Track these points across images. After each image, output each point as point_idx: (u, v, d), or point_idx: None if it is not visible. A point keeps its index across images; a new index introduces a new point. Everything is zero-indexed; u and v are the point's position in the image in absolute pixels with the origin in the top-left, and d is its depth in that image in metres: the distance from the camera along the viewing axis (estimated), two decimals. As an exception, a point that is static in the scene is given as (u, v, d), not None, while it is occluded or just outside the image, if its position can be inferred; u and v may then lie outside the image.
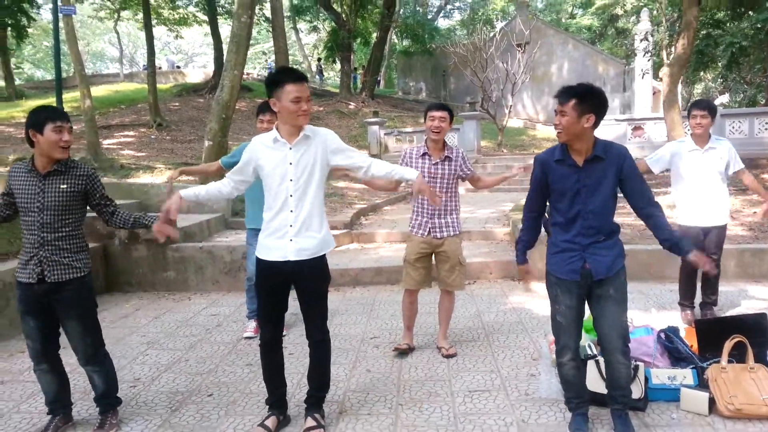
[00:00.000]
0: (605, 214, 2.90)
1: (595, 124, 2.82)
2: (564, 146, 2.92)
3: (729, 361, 3.35)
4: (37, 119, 3.04)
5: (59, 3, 11.90)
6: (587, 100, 2.79)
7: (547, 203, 3.12)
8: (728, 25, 15.37)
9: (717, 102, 27.27)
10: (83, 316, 3.16)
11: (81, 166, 3.20)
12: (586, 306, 3.04)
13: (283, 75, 2.99)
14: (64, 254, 3.10)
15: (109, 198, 3.30)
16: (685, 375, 3.41)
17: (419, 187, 3.19)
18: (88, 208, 3.26)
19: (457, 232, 4.25)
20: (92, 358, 3.22)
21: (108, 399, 3.32)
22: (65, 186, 3.09)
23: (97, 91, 23.60)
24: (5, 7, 22.61)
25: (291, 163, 3.01)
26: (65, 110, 3.53)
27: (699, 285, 4.97)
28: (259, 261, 3.13)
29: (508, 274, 6.59)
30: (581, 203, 2.89)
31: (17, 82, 31.75)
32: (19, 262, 3.14)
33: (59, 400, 3.28)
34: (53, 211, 3.07)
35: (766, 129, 14.04)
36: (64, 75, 17.06)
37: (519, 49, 21.29)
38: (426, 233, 4.20)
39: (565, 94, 2.83)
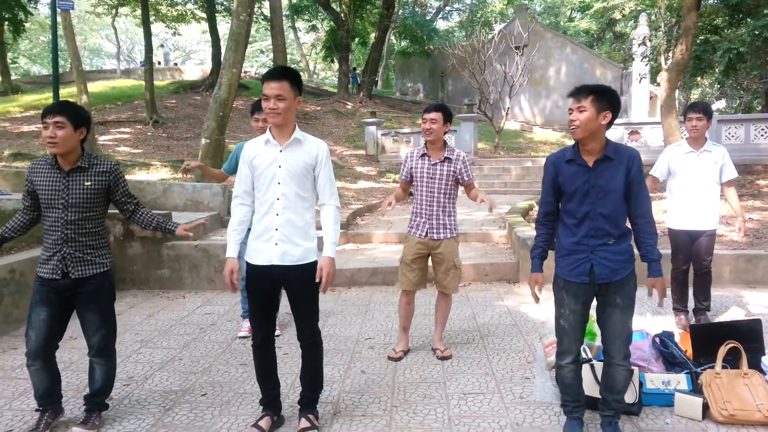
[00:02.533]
0: (615, 216, 2.89)
1: (610, 123, 2.83)
2: (575, 147, 2.93)
3: (723, 367, 3.35)
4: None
5: (57, -2, 11.85)
6: (605, 97, 2.80)
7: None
8: (726, 31, 15.44)
9: (713, 108, 27.34)
10: (102, 309, 3.20)
11: (104, 162, 3.20)
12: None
13: (265, 73, 3.01)
14: (88, 250, 3.13)
15: (131, 195, 3.31)
16: (680, 380, 3.42)
17: (322, 269, 3.04)
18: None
19: (454, 234, 4.25)
20: (102, 350, 3.24)
21: (98, 399, 3.29)
22: (89, 183, 3.10)
23: (94, 87, 23.53)
24: (3, 2, 22.52)
25: (280, 166, 3.00)
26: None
27: (691, 290, 4.98)
28: (247, 263, 3.12)
29: (504, 276, 6.59)
30: (590, 204, 2.88)
31: (13, 76, 31.64)
32: (41, 257, 3.14)
33: (49, 396, 3.25)
34: (78, 209, 3.08)
35: (762, 135, 14.10)
36: (60, 70, 16.97)
37: (517, 51, 21.37)
38: (423, 234, 4.20)
39: (583, 90, 2.83)
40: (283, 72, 2.98)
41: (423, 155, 4.21)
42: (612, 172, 2.86)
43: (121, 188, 3.24)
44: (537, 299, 3.14)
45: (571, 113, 2.85)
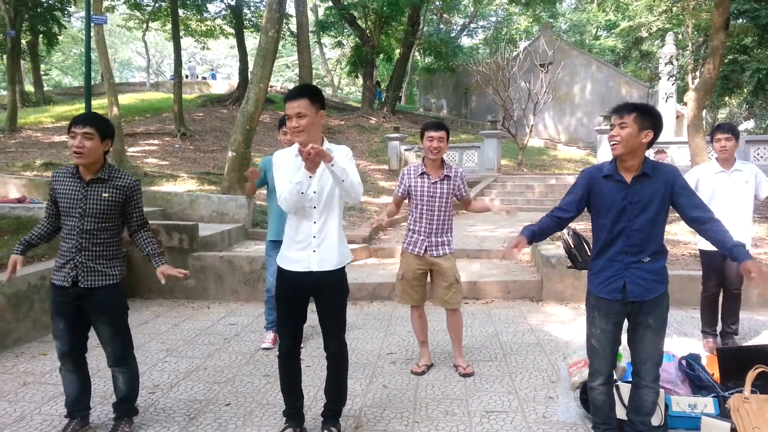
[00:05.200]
0: (652, 233, 2.87)
1: (651, 143, 2.83)
2: (614, 162, 2.92)
3: (752, 392, 3.29)
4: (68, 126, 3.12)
5: (91, 12, 12.17)
6: (648, 116, 2.81)
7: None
8: (755, 51, 15.24)
9: (742, 128, 27.00)
10: (113, 320, 3.23)
11: (125, 177, 3.23)
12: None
13: (285, 95, 3.06)
14: (99, 261, 3.16)
15: (141, 216, 3.31)
16: (706, 404, 3.36)
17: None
18: None
19: (452, 250, 4.29)
20: (120, 359, 3.28)
21: (126, 405, 3.35)
22: (107, 195, 3.14)
23: (124, 99, 23.95)
24: (38, 15, 23.21)
25: (311, 177, 3.05)
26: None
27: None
28: (281, 272, 3.16)
29: (527, 294, 6.55)
30: (626, 221, 2.87)
31: (45, 88, 32.42)
32: (55, 264, 3.20)
33: (79, 402, 3.32)
34: (94, 218, 3.12)
35: (791, 156, 13.87)
36: (91, 82, 17.35)
37: (542, 69, 21.28)
38: (422, 251, 4.22)
39: (627, 107, 2.84)
40: (300, 91, 3.02)
41: (422, 174, 4.24)
42: (650, 189, 2.85)
43: (134, 204, 3.25)
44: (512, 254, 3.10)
45: (612, 128, 2.86)
